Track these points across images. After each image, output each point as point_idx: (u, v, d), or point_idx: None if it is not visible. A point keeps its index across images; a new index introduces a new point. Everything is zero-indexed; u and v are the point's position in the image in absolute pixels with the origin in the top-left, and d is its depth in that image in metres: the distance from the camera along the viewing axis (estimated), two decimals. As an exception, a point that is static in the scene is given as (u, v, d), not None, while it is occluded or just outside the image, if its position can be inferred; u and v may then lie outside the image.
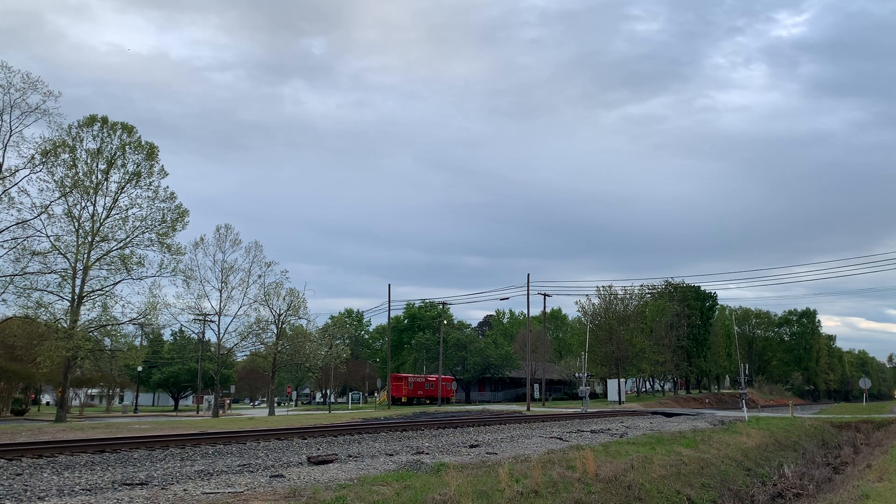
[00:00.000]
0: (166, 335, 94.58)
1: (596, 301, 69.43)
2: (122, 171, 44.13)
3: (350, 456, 15.96)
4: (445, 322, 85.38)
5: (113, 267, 43.78)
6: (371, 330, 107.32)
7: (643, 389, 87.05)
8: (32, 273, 40.75)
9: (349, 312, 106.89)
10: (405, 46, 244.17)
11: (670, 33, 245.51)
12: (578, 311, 73.25)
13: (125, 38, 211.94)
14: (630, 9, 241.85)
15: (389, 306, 69.94)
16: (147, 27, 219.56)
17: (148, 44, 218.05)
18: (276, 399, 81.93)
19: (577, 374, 59.13)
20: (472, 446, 18.72)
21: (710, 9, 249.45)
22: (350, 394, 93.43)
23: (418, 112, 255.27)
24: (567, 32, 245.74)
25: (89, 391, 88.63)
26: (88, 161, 43.05)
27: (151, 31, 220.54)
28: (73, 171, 42.27)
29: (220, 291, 53.58)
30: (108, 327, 45.35)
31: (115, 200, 43.86)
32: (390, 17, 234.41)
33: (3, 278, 40.19)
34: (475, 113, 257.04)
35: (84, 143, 43.09)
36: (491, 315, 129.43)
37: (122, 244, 43.95)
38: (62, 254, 41.68)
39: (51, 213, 41.23)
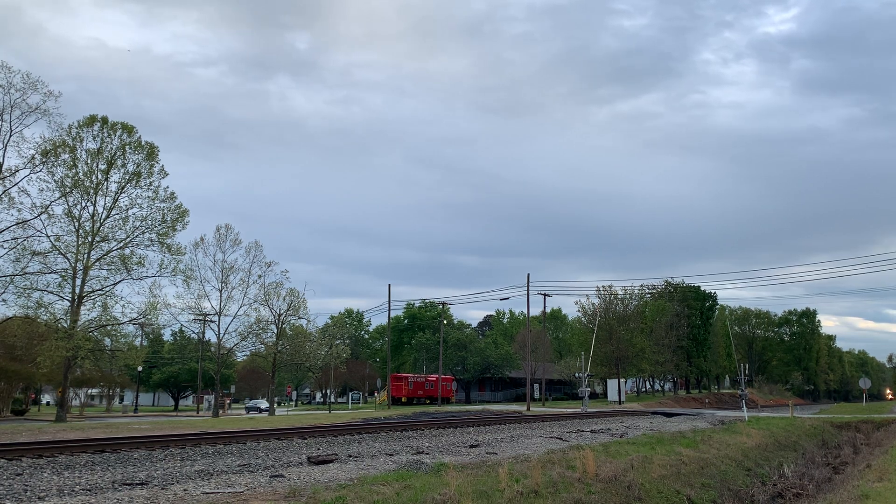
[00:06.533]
0: (166, 335, 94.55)
1: (596, 301, 69.46)
2: (122, 171, 44.21)
3: (350, 456, 15.96)
4: (445, 322, 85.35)
5: (113, 267, 43.80)
6: (371, 330, 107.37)
7: (643, 389, 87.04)
8: (32, 273, 40.78)
9: (349, 312, 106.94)
10: (391, 41, 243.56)
11: (658, 28, 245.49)
12: (578, 311, 73.31)
13: (106, 33, 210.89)
14: (616, 3, 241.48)
15: (389, 306, 69.98)
16: (128, 22, 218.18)
17: (130, 39, 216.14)
18: (276, 399, 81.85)
19: (577, 374, 59.03)
20: (472, 446, 18.71)
21: (698, 2, 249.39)
22: (350, 394, 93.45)
23: (407, 109, 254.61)
24: (554, 27, 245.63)
25: (89, 391, 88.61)
26: (88, 161, 43.09)
27: (132, 25, 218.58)
28: (74, 171, 42.29)
29: (221, 291, 53.65)
30: (108, 327, 45.35)
31: (116, 200, 43.90)
32: (374, 10, 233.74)
33: (4, 278, 40.21)
34: (464, 110, 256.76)
35: (84, 143, 43.16)
36: (491, 315, 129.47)
37: (122, 244, 43.98)
38: (62, 254, 41.69)
39: (51, 213, 41.29)
